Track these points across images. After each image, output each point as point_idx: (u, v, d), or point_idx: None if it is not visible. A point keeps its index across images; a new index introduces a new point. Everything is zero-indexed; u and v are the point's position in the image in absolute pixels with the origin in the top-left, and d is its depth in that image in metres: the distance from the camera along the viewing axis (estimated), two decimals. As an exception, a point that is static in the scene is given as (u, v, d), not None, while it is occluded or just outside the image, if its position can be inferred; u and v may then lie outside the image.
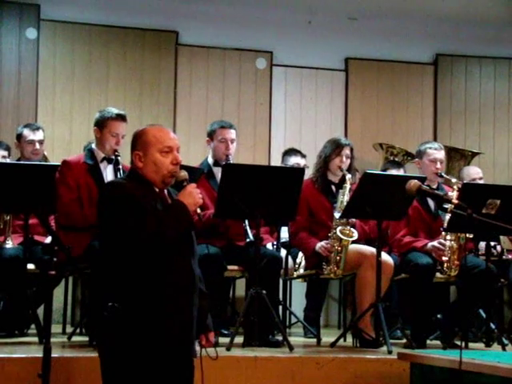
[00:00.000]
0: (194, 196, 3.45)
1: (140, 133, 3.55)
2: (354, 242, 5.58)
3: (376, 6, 8.19)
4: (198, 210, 3.48)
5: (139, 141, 3.52)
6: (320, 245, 5.60)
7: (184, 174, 3.52)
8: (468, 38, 8.71)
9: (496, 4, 8.13)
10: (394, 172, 7.04)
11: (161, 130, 3.56)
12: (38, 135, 6.16)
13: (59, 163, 5.38)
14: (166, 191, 3.59)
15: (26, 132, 6.16)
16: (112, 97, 7.89)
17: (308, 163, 7.18)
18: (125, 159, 5.48)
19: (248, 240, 5.46)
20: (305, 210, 5.74)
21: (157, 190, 3.53)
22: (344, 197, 5.59)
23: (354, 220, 5.62)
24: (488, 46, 8.76)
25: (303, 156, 7.30)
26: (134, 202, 3.37)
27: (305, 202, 5.70)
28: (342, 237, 5.53)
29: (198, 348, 3.59)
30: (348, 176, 5.68)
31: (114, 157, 5.37)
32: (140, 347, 3.35)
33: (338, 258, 5.56)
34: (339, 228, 5.55)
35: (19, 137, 6.19)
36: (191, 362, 3.53)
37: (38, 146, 6.13)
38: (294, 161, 7.17)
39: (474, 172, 7.01)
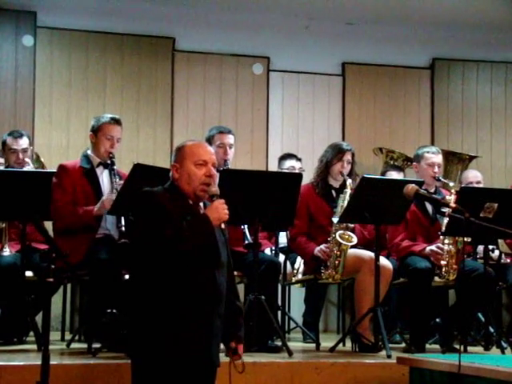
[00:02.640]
0: (219, 211, 3.57)
1: (179, 146, 3.74)
2: (352, 246, 5.58)
3: (373, 11, 8.18)
4: (223, 226, 3.60)
5: (178, 154, 3.70)
6: (319, 248, 5.60)
7: (215, 189, 3.65)
8: (465, 42, 8.72)
9: (493, 8, 8.12)
10: (394, 176, 7.02)
11: (199, 145, 3.75)
12: (21, 143, 5.99)
13: (55, 170, 5.39)
14: (201, 205, 3.68)
15: (9, 140, 6.01)
16: (109, 103, 7.89)
17: (304, 167, 7.19)
18: (120, 164, 5.52)
19: (247, 242, 5.44)
20: (305, 214, 5.74)
21: (191, 202, 3.63)
22: (344, 202, 5.58)
23: (352, 225, 5.61)
24: (485, 50, 8.76)
25: (298, 159, 7.29)
26: (159, 209, 3.49)
27: (305, 206, 5.71)
28: (342, 241, 5.52)
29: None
30: (349, 181, 5.68)
31: (109, 160, 5.38)
32: (158, 354, 3.44)
33: (336, 262, 5.55)
34: (339, 232, 5.54)
35: (3, 144, 6.08)
36: (212, 371, 3.64)
37: (20, 155, 5.97)
38: (289, 164, 7.16)
39: (471, 176, 6.98)
